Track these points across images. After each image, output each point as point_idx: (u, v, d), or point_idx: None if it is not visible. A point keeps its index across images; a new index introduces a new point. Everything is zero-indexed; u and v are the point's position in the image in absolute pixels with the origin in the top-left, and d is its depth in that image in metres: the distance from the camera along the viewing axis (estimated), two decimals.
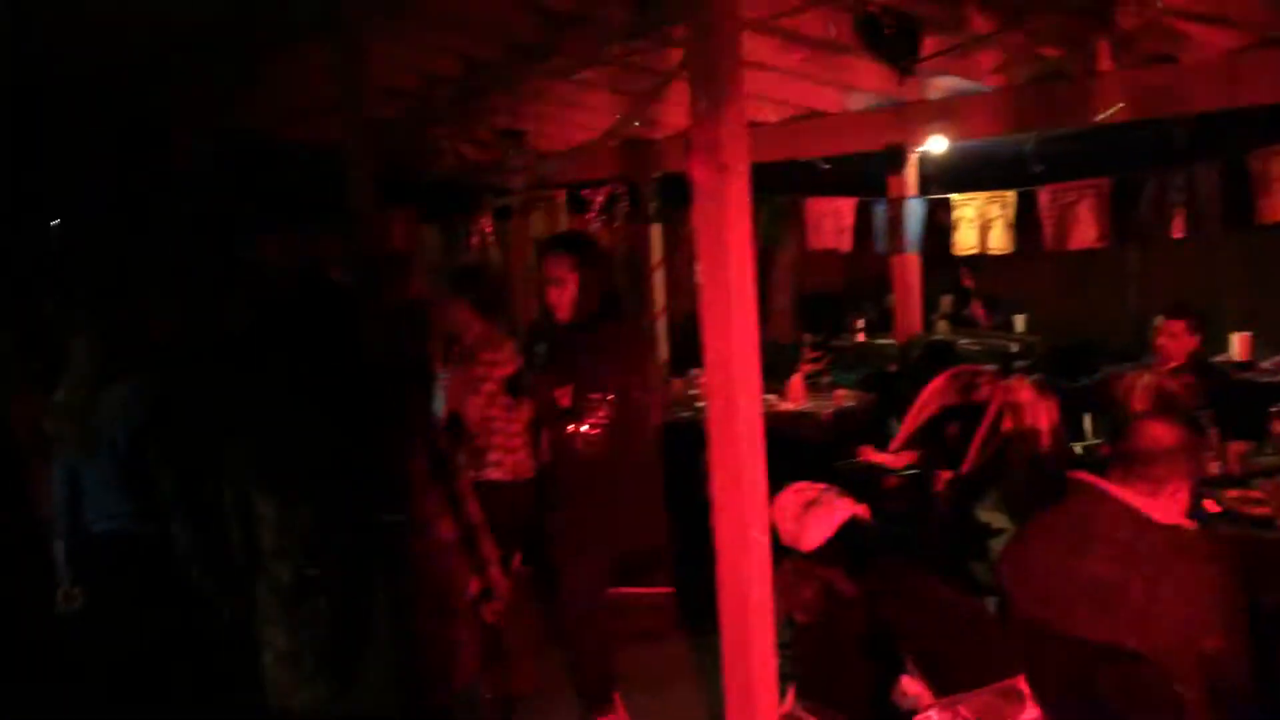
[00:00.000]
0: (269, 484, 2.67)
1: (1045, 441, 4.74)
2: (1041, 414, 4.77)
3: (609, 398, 3.75)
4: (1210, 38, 4.77)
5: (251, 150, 7.15)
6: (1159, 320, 5.11)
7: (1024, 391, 4.77)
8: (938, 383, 5.06)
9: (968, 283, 9.48)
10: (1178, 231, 5.37)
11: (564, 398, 3.78)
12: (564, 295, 3.87)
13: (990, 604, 3.14)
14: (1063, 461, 4.86)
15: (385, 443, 2.68)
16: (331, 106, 7.13)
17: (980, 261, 7.66)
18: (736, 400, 3.40)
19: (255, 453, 2.69)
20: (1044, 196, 5.90)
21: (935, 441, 4.96)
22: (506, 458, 4.29)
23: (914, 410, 5.07)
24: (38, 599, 3.79)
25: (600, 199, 8.32)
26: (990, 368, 5.14)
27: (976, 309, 9.84)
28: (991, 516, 5.38)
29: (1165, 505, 2.72)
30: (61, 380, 3.62)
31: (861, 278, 11.08)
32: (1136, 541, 2.65)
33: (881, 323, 9.65)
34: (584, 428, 3.73)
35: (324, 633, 2.66)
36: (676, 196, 8.85)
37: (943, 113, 6.40)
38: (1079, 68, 5.34)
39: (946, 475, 4.69)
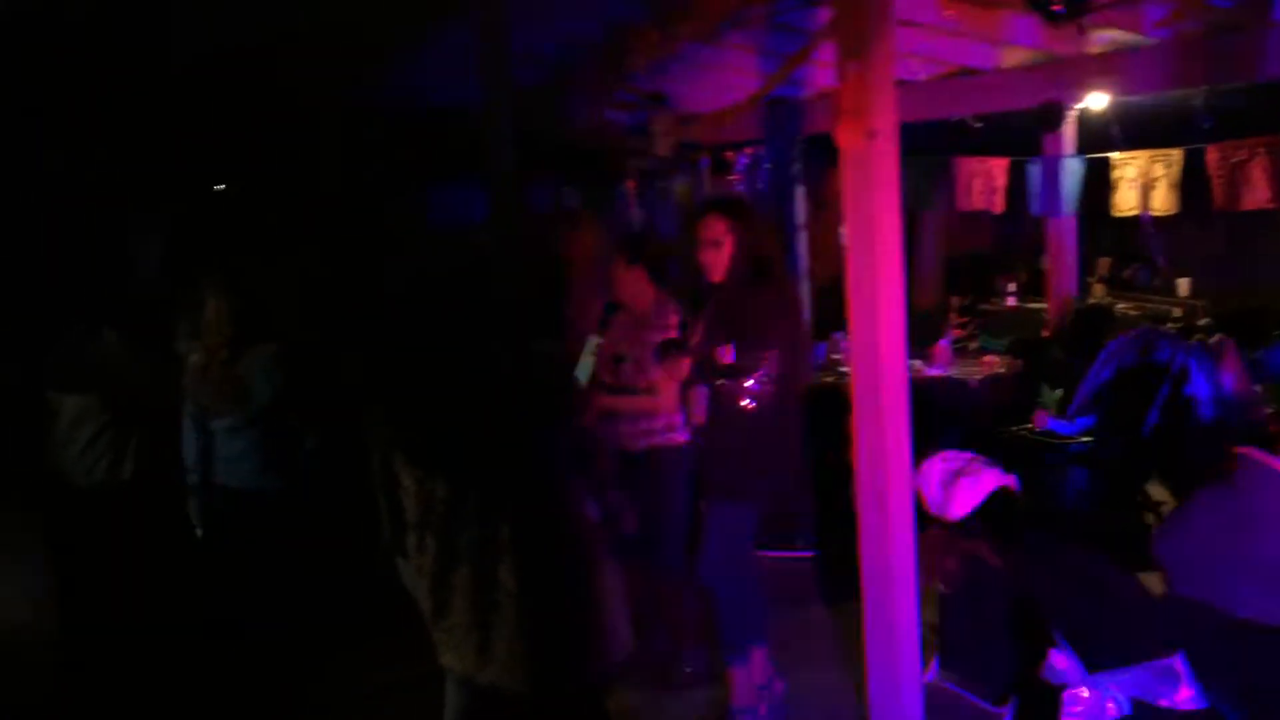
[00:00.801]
0: (410, 455, 2.73)
1: (1234, 407, 4.53)
2: (1228, 378, 4.55)
3: (769, 355, 3.79)
4: None
5: (397, 118, 7.33)
6: None
7: (1210, 354, 4.57)
8: (1114, 345, 4.89)
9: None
10: None
11: (726, 355, 3.82)
12: (720, 256, 3.90)
13: (1149, 580, 3.03)
14: (1247, 429, 4.64)
15: (528, 418, 2.71)
16: (473, 73, 7.32)
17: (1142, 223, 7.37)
18: (882, 366, 3.36)
19: (398, 423, 2.76)
20: (1212, 155, 5.60)
21: (1112, 406, 4.79)
22: (675, 419, 4.38)
23: (1090, 374, 4.90)
24: (182, 554, 4.00)
25: (744, 162, 8.26)
26: (1170, 329, 4.93)
27: (1131, 272, 9.46)
28: (1153, 489, 5.21)
29: None
30: (194, 342, 3.77)
31: (1012, 240, 10.76)
32: None
33: (1033, 286, 9.35)
34: (747, 383, 3.77)
35: (464, 603, 2.72)
36: (821, 158, 8.74)
37: (1103, 68, 6.11)
38: (1252, 18, 5.03)
39: (1123, 441, 4.52)
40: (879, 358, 3.36)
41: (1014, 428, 5.34)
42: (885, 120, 3.29)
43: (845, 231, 8.60)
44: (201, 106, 6.49)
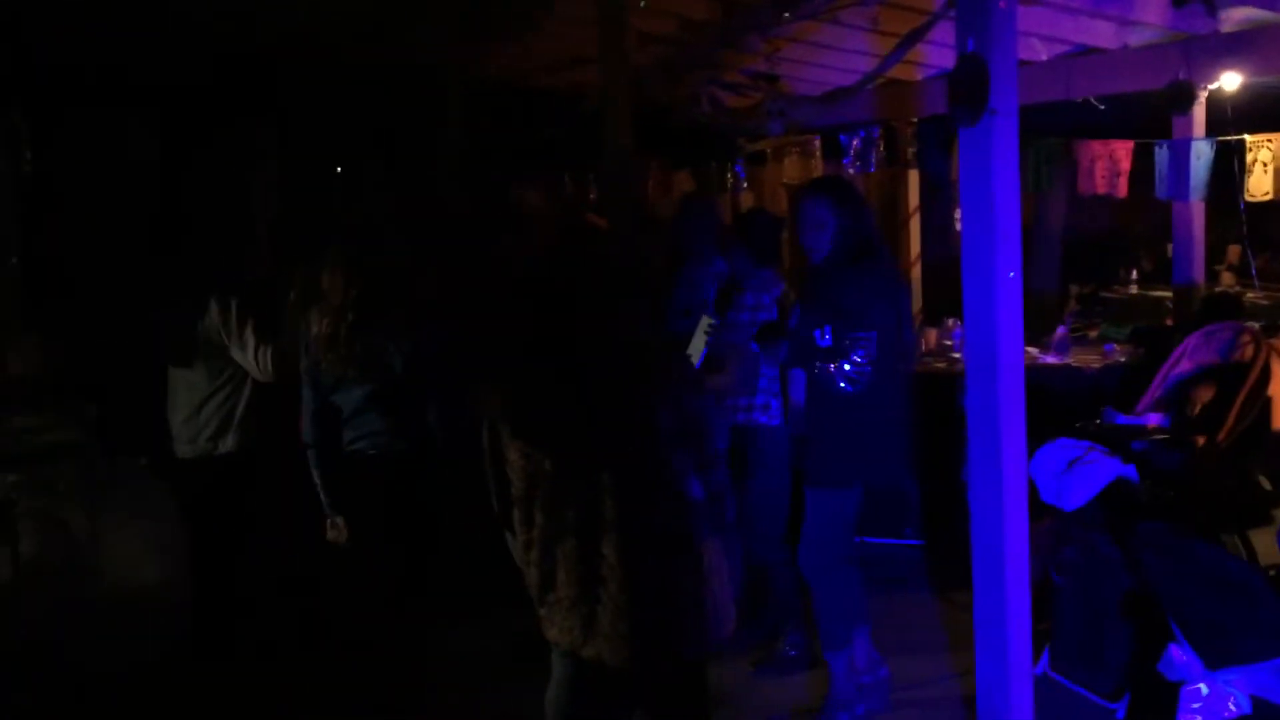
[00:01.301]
0: (516, 429, 2.77)
1: None
2: None
3: (869, 338, 3.74)
4: None
5: (515, 97, 7.42)
6: None
7: None
8: (1193, 339, 4.69)
9: None
10: None
11: (822, 337, 3.79)
12: (822, 237, 3.87)
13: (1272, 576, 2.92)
14: None
15: (636, 394, 2.73)
16: (591, 55, 7.37)
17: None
18: (998, 352, 3.30)
19: (505, 397, 2.80)
20: None
21: (1186, 404, 4.61)
22: (772, 401, 4.38)
23: (1164, 368, 4.72)
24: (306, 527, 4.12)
25: (856, 144, 8.16)
26: (1256, 324, 4.73)
27: (1263, 260, 9.09)
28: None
29: None
30: (312, 312, 3.85)
31: (1136, 225, 10.43)
32: None
33: (1158, 274, 9.06)
34: (845, 366, 3.74)
35: (569, 577, 2.75)
36: (936, 140, 8.58)
37: (1236, 46, 5.88)
38: None
39: (1200, 442, 4.34)
40: (995, 343, 3.30)
41: (1080, 423, 5.13)
42: (1006, 99, 3.22)
43: (959, 215, 8.46)
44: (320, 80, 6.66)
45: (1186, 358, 4.45)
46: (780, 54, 7.34)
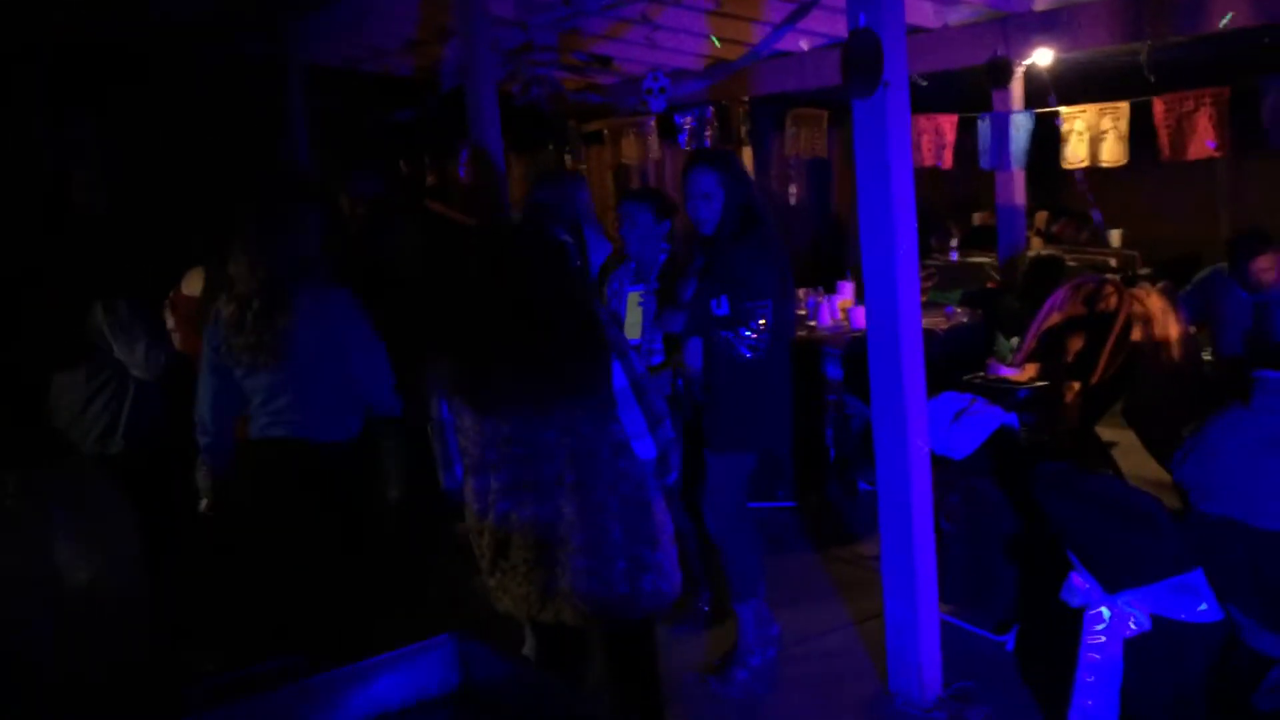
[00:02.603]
0: (470, 396, 2.78)
1: (1176, 352, 4.78)
2: (1171, 324, 4.79)
3: (764, 306, 3.85)
4: None
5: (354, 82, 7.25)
6: (1245, 260, 5.12)
7: (1153, 301, 4.79)
8: (1061, 294, 5.08)
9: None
10: None
11: (719, 307, 3.88)
12: (711, 209, 3.93)
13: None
14: (1196, 371, 4.90)
15: (584, 357, 2.76)
16: (427, 38, 7.27)
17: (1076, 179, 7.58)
18: (899, 314, 3.49)
19: (460, 364, 2.80)
20: (1159, 107, 5.84)
21: (1058, 353, 5.00)
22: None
23: (1036, 322, 5.10)
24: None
25: (691, 123, 8.33)
26: (1114, 278, 5.15)
27: (1060, 226, 9.79)
28: (1110, 431, 5.44)
29: None
30: (218, 301, 3.71)
31: (934, 197, 11.01)
32: None
33: (972, 240, 9.62)
34: (746, 333, 3.84)
35: (527, 541, 2.78)
36: (767, 119, 8.86)
37: (1050, 23, 6.32)
38: None
39: (1075, 387, 4.73)
40: (897, 307, 3.48)
41: (966, 376, 5.50)
42: (897, 72, 3.40)
43: (793, 190, 8.71)
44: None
45: (1056, 310, 4.80)
46: (618, 35, 7.44)
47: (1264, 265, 5.03)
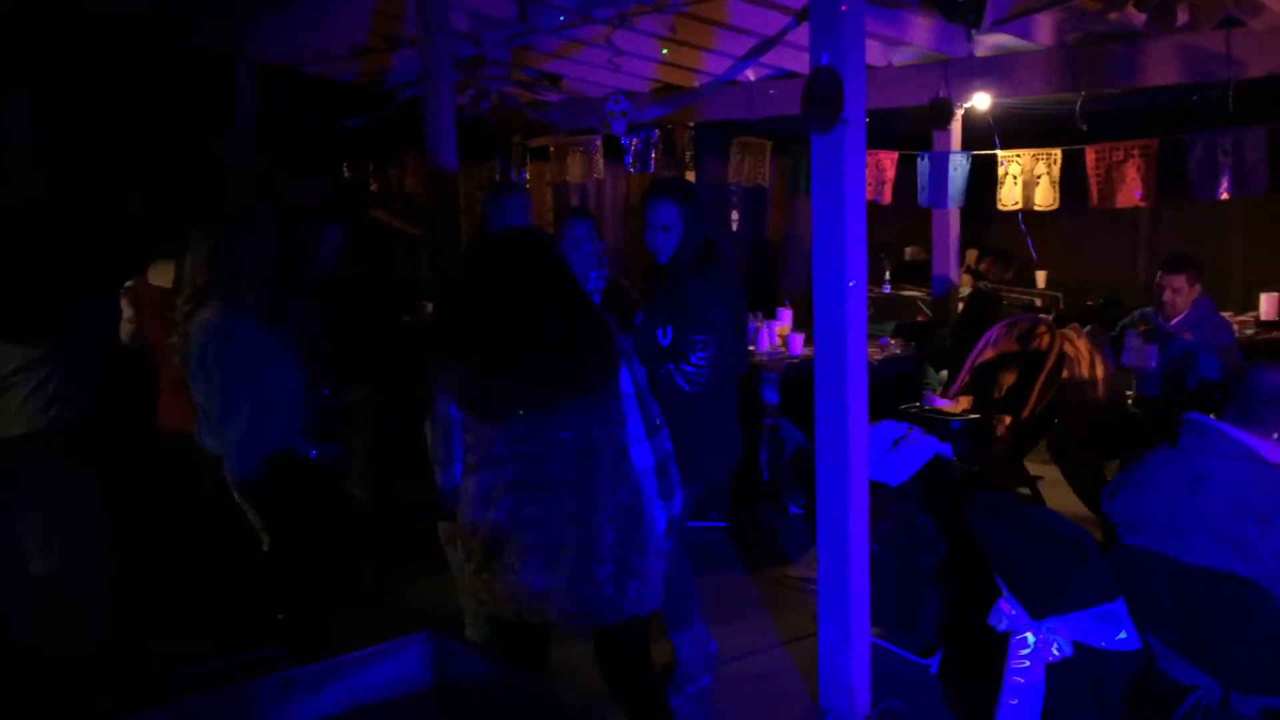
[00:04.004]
0: (472, 402, 2.86)
1: (1100, 391, 4.98)
2: (1098, 364, 5.00)
3: (709, 339, 3.87)
4: None
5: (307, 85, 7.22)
6: (1159, 277, 5.33)
7: (1081, 343, 4.99)
8: (995, 331, 5.27)
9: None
10: (1224, 193, 5.57)
11: (663, 338, 3.91)
12: (669, 239, 3.96)
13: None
14: (1119, 411, 5.11)
15: (587, 365, 2.85)
16: (379, 45, 7.28)
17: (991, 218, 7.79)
18: (847, 341, 3.59)
19: (462, 367, 2.87)
20: (1091, 156, 6.08)
21: (991, 388, 5.18)
22: None
23: (971, 357, 5.28)
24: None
25: (636, 145, 8.44)
26: (1048, 318, 5.35)
27: (987, 265, 10.07)
28: (1035, 465, 5.64)
29: (1275, 446, 2.96)
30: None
31: (879, 230, 11.25)
32: (1250, 477, 2.88)
33: (902, 273, 9.85)
34: (686, 367, 3.85)
35: (535, 538, 2.84)
36: (710, 145, 9.00)
37: (990, 70, 6.55)
38: (1158, 26, 5.47)
39: (1006, 420, 4.90)
40: (845, 335, 3.58)
41: (904, 406, 5.68)
42: (856, 110, 3.52)
43: (734, 217, 8.83)
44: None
45: (991, 346, 4.97)
46: (567, 55, 7.52)
47: (1178, 285, 5.21)
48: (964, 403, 5.07)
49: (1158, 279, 5.30)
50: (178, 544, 3.85)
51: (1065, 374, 4.93)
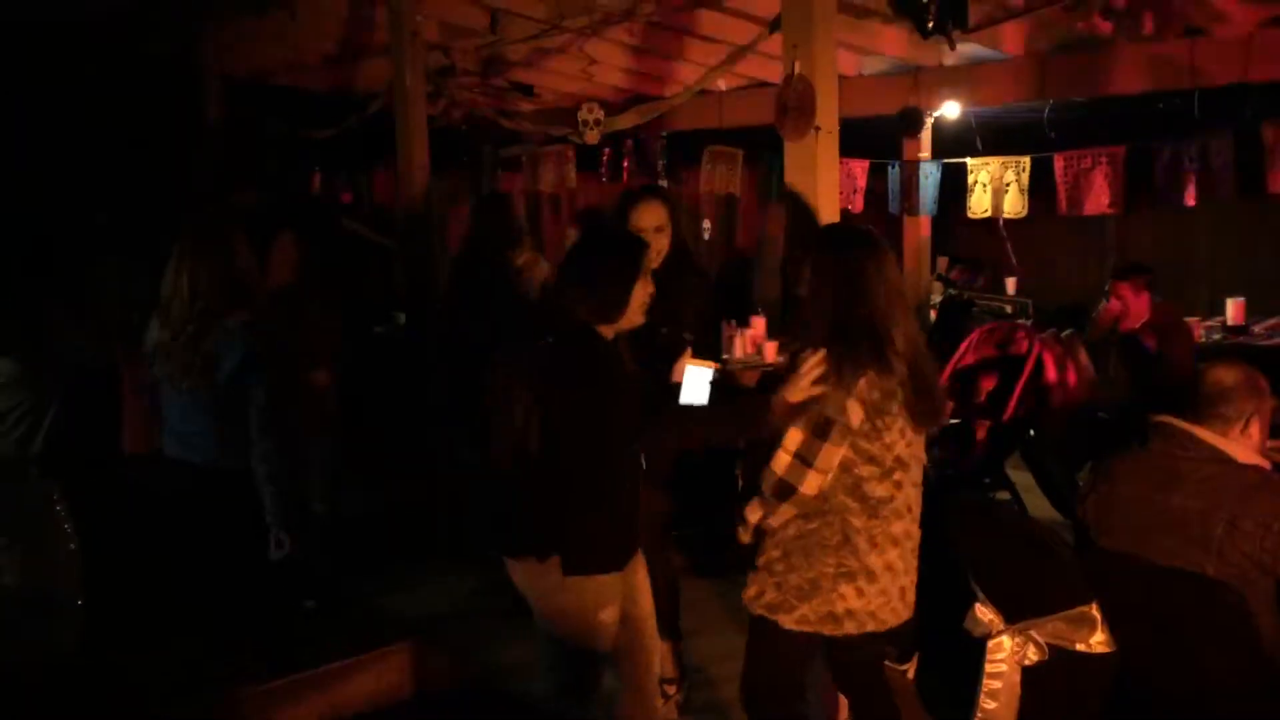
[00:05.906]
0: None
1: (1074, 397, 5.02)
2: (1070, 371, 5.04)
3: (687, 338, 3.88)
4: (1245, 15, 5.02)
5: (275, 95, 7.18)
6: (1109, 284, 5.43)
7: (1059, 346, 5.03)
8: (975, 336, 5.30)
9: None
10: (1190, 199, 5.65)
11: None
12: (662, 243, 3.95)
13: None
14: (1091, 416, 5.16)
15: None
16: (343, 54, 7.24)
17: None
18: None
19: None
20: (1059, 163, 6.14)
21: (970, 393, 5.21)
22: None
23: (950, 363, 5.31)
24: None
25: (608, 155, 8.45)
26: (1026, 323, 5.40)
27: (956, 273, 10.15)
28: (1010, 472, 5.67)
29: (1241, 444, 2.99)
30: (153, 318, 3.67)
31: None
32: (1219, 478, 2.91)
33: None
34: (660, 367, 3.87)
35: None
36: (681, 154, 9.02)
37: (960, 79, 6.61)
38: (1124, 34, 5.53)
39: (986, 424, 4.93)
40: None
41: None
42: (829, 118, 3.54)
43: (706, 226, 8.86)
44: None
45: (970, 352, 5.00)
46: (540, 64, 7.53)
47: (1124, 291, 5.31)
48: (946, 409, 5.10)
49: (1107, 286, 5.44)
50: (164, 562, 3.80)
51: (1048, 378, 4.97)
